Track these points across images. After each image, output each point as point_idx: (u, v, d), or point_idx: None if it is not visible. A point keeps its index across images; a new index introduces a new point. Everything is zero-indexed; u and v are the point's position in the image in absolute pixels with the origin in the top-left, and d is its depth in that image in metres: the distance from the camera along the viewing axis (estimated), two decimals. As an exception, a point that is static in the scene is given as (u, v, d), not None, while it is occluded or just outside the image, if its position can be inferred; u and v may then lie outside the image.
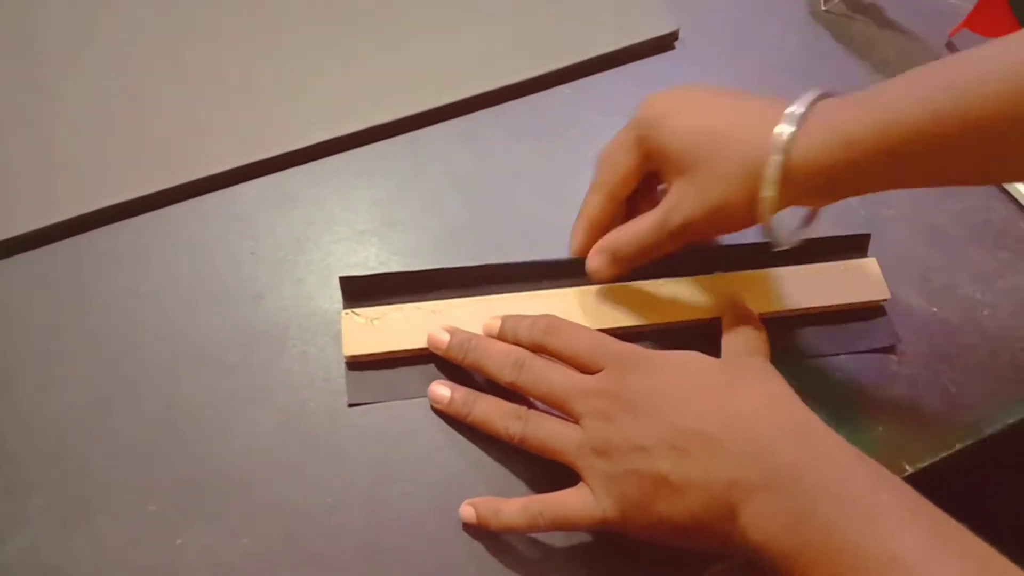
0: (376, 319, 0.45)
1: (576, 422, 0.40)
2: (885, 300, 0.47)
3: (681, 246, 0.43)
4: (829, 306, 0.47)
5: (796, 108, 0.38)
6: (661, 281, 0.47)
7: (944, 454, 0.43)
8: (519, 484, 0.43)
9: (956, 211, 0.52)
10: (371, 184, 0.52)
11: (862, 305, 0.47)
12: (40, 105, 0.54)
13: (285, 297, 0.48)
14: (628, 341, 0.41)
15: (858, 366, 0.46)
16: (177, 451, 0.44)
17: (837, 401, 0.45)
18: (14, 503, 0.42)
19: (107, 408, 0.45)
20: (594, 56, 0.56)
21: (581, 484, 0.39)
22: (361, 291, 0.46)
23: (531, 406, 0.42)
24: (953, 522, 0.32)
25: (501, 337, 0.44)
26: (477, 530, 0.41)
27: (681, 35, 0.58)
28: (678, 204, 0.41)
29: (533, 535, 0.42)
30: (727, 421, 0.36)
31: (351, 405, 0.45)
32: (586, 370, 0.41)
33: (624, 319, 0.46)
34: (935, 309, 0.48)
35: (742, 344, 0.43)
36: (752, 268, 0.47)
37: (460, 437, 0.44)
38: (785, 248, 0.42)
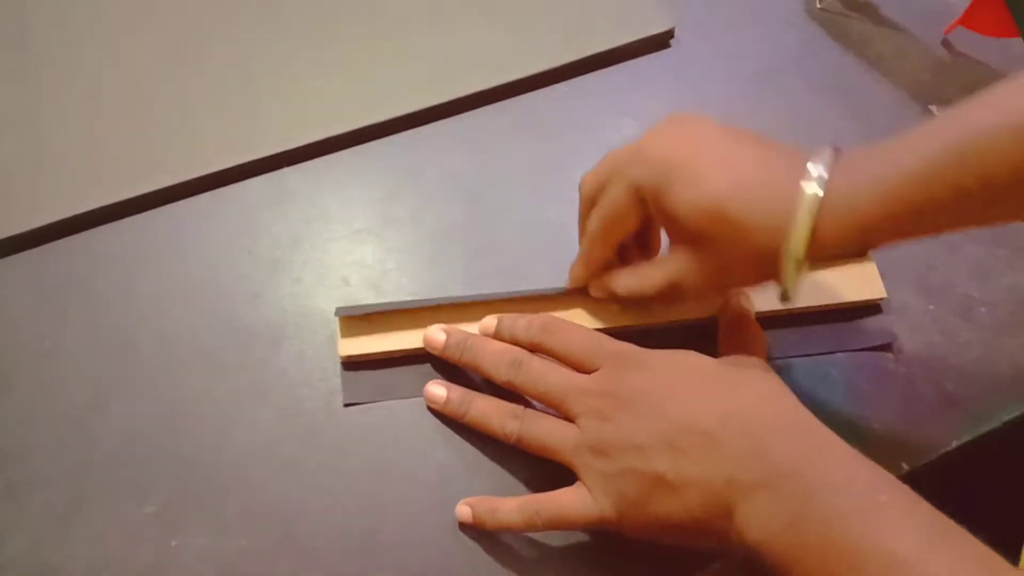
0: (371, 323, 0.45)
1: (573, 421, 0.40)
2: (882, 299, 0.47)
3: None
4: (826, 305, 0.47)
5: (818, 169, 0.35)
6: None
7: (941, 452, 0.43)
8: (516, 483, 0.43)
9: (952, 209, 0.52)
10: (368, 183, 0.52)
11: (859, 304, 0.47)
12: (35, 104, 0.54)
13: (282, 296, 0.48)
14: (626, 341, 0.41)
15: (855, 364, 0.46)
16: (175, 450, 0.44)
17: (834, 400, 0.45)
18: (13, 503, 0.42)
19: (104, 407, 0.45)
20: (590, 55, 0.56)
21: (578, 483, 0.39)
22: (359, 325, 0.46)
23: (528, 405, 0.42)
24: (951, 522, 0.32)
25: (498, 336, 0.44)
26: (474, 529, 0.41)
27: (677, 33, 0.58)
28: (688, 273, 0.40)
29: (530, 534, 0.42)
30: (724, 419, 0.36)
31: (347, 405, 0.45)
32: (583, 369, 0.41)
33: (622, 319, 0.46)
34: (932, 307, 0.48)
35: (739, 344, 0.43)
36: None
37: (457, 436, 0.44)
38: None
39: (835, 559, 0.32)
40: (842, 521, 0.32)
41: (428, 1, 0.58)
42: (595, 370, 0.40)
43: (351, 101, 0.54)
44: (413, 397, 0.45)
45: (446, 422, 0.44)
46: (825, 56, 0.58)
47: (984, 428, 0.44)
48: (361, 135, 0.53)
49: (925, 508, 0.33)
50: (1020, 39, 0.53)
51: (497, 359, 0.42)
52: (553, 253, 0.48)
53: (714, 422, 0.36)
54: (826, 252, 0.36)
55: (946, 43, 0.58)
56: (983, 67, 0.56)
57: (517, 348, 0.43)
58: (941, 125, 0.35)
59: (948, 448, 0.44)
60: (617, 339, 0.41)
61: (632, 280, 0.43)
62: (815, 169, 0.35)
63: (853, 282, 0.47)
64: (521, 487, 0.43)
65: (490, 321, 0.44)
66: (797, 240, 0.35)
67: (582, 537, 0.41)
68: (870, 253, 0.48)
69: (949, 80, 0.56)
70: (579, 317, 0.45)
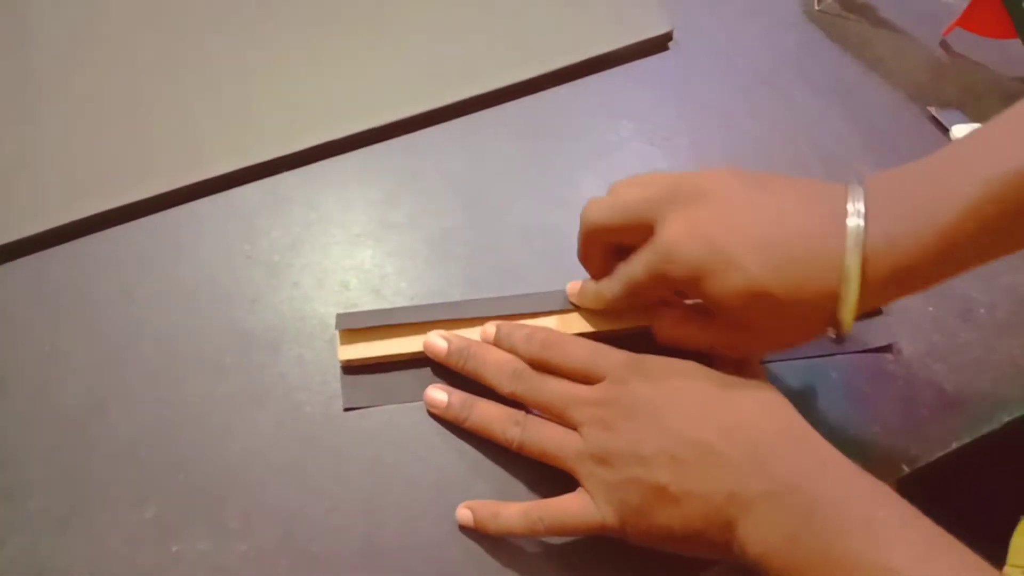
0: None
1: (575, 430, 0.40)
2: (881, 300, 0.47)
3: None
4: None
5: (856, 229, 0.35)
6: None
7: (941, 454, 0.43)
8: (518, 486, 0.43)
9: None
10: (367, 186, 0.52)
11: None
12: (33, 110, 0.54)
13: (281, 300, 0.48)
14: (624, 342, 0.41)
15: (855, 366, 0.46)
16: (174, 453, 0.43)
17: (834, 402, 0.45)
18: (13, 505, 0.42)
19: (104, 411, 0.45)
20: (588, 58, 0.56)
21: (580, 490, 0.39)
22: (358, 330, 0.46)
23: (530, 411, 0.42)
24: (949, 536, 0.32)
25: (497, 344, 0.44)
26: (474, 532, 0.41)
27: (675, 35, 0.58)
28: (736, 342, 0.40)
29: (531, 540, 0.42)
30: (726, 430, 0.36)
31: (347, 409, 0.45)
32: (585, 381, 0.41)
33: (619, 321, 0.45)
34: (931, 308, 0.48)
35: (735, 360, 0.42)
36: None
37: (457, 440, 0.44)
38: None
39: (834, 568, 0.32)
40: (842, 536, 0.32)
41: (426, 5, 0.58)
42: (598, 381, 0.40)
43: (349, 105, 0.54)
44: (413, 401, 0.45)
45: (446, 426, 0.44)
46: (824, 58, 0.58)
47: (984, 429, 0.44)
48: (360, 139, 0.53)
49: (924, 523, 0.33)
50: (1018, 40, 0.53)
51: (499, 370, 0.42)
52: (552, 256, 0.48)
53: (715, 434, 0.36)
54: (873, 304, 0.36)
55: (944, 44, 0.58)
56: (981, 68, 0.56)
57: (518, 358, 0.43)
58: (970, 157, 0.35)
59: (948, 450, 0.43)
60: (618, 344, 0.41)
61: (678, 332, 0.42)
62: (853, 229, 0.35)
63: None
64: (522, 491, 0.42)
65: (490, 328, 0.44)
66: (848, 305, 0.35)
67: (582, 541, 0.41)
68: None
69: (947, 81, 0.56)
70: (577, 320, 0.45)
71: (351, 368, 0.45)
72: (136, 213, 0.51)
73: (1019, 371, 0.46)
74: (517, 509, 0.40)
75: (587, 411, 0.39)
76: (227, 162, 0.52)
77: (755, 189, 0.38)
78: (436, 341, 0.44)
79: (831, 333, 0.37)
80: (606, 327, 0.45)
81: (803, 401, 0.38)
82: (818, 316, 0.36)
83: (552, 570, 0.41)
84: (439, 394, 0.44)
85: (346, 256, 0.50)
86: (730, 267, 0.36)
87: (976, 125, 0.52)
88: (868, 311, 0.35)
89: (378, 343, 0.45)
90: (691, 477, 0.36)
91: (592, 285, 0.44)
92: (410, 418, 0.44)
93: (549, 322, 0.45)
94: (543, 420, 0.41)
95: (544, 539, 0.41)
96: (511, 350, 0.43)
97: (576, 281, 0.45)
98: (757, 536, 0.34)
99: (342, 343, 0.45)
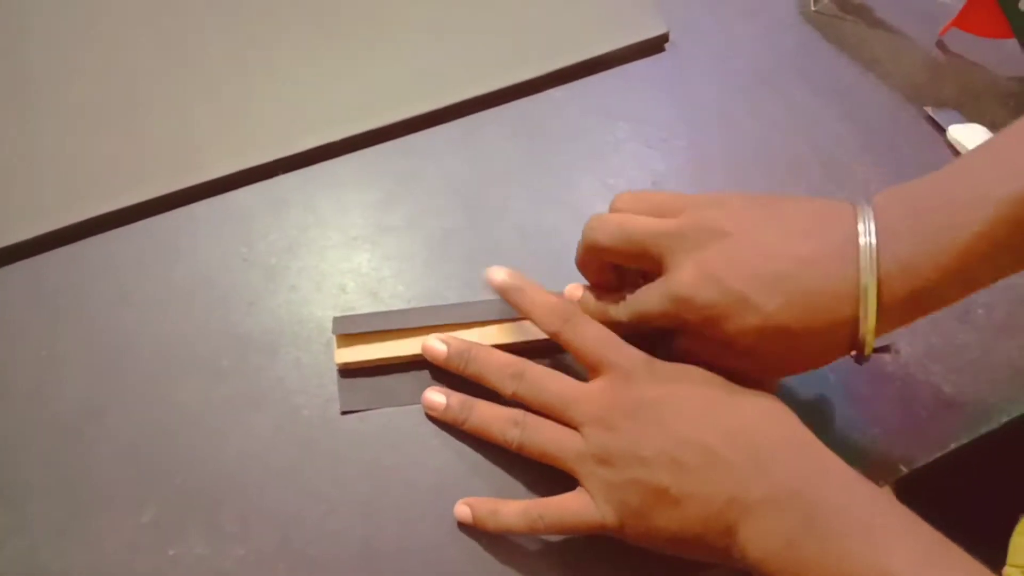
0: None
1: (576, 429, 0.40)
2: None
3: None
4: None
5: (868, 258, 0.34)
6: None
7: (940, 454, 0.43)
8: (517, 486, 0.43)
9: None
10: (364, 189, 0.52)
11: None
12: (31, 113, 0.54)
13: (278, 304, 0.48)
14: (631, 339, 0.41)
15: (853, 367, 0.46)
16: (172, 457, 0.43)
17: (833, 402, 0.45)
18: (11, 509, 0.42)
19: (102, 415, 0.45)
20: (585, 59, 0.56)
21: (580, 489, 0.39)
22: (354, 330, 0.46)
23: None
24: (949, 542, 0.32)
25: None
26: (474, 533, 0.41)
27: (672, 37, 0.58)
28: (750, 371, 0.39)
29: (530, 539, 0.42)
30: (728, 435, 0.36)
31: (344, 413, 0.45)
32: (594, 371, 0.40)
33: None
34: (929, 308, 0.48)
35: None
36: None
37: (455, 442, 0.44)
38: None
39: (834, 571, 0.32)
40: (841, 541, 0.32)
41: (423, 7, 0.58)
42: (606, 373, 0.40)
43: (346, 107, 0.54)
44: (411, 404, 0.45)
45: (444, 428, 0.44)
46: (820, 58, 0.58)
47: (982, 430, 0.44)
48: (356, 141, 0.53)
49: (923, 528, 0.33)
50: (1014, 40, 0.53)
51: (501, 372, 0.42)
52: (549, 257, 0.48)
53: (718, 438, 0.36)
54: (891, 326, 0.36)
55: (941, 44, 0.58)
56: (978, 68, 0.56)
57: (521, 359, 0.43)
58: (981, 174, 0.34)
59: (946, 450, 0.43)
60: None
61: (698, 357, 0.40)
62: (866, 252, 0.34)
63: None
64: (521, 493, 0.42)
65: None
66: (867, 327, 0.35)
67: (582, 542, 0.41)
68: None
69: (944, 81, 0.56)
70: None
71: (348, 371, 0.45)
72: (132, 217, 0.51)
73: (1017, 372, 0.46)
74: (516, 507, 0.40)
75: (588, 410, 0.39)
76: (224, 165, 0.51)
77: (763, 220, 0.38)
78: (435, 344, 0.44)
79: (852, 356, 0.37)
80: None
81: (802, 403, 0.38)
82: (835, 343, 0.36)
83: (552, 572, 0.41)
84: (437, 396, 0.44)
85: (343, 259, 0.49)
86: (745, 308, 0.36)
87: (973, 125, 0.52)
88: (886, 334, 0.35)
89: (375, 346, 0.45)
90: (692, 480, 0.36)
91: (596, 303, 0.43)
92: (408, 421, 0.44)
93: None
94: (543, 420, 0.41)
95: (543, 539, 0.41)
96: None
97: (576, 285, 0.45)
98: (757, 541, 0.34)
99: (339, 346, 0.45)
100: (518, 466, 0.42)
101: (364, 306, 0.48)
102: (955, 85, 0.56)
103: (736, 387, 0.38)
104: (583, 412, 0.39)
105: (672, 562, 0.39)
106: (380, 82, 0.55)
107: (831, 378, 0.46)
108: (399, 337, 0.45)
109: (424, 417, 0.44)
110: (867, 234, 0.35)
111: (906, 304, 0.35)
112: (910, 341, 0.47)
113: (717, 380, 0.39)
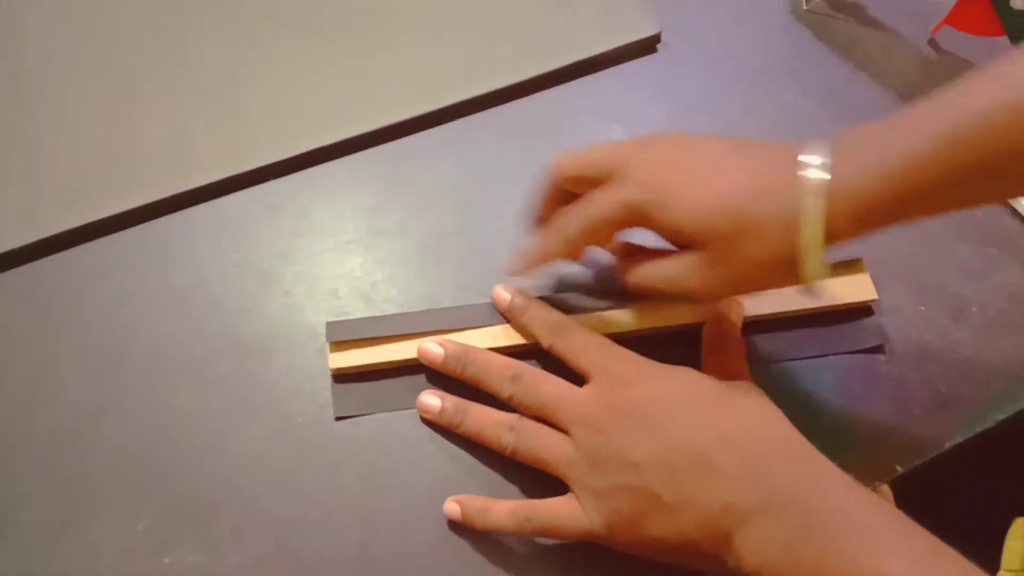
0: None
1: (567, 433, 0.40)
2: (873, 300, 0.47)
3: None
4: (817, 307, 0.47)
5: (820, 156, 0.34)
6: None
7: (934, 454, 0.43)
8: (511, 489, 0.43)
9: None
10: (356, 193, 0.52)
11: (850, 306, 0.47)
12: (25, 119, 0.54)
13: (272, 309, 0.48)
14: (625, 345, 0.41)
15: (847, 367, 0.46)
16: (167, 463, 0.43)
17: (826, 403, 0.45)
18: (6, 515, 0.42)
19: (95, 422, 0.45)
20: (576, 61, 0.56)
21: (571, 494, 0.39)
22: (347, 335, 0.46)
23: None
24: (946, 546, 0.32)
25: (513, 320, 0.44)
26: (470, 537, 0.41)
27: (664, 38, 0.58)
28: (699, 275, 0.38)
29: (526, 544, 0.41)
30: (721, 440, 0.36)
31: (338, 419, 0.45)
32: (588, 376, 0.40)
33: (608, 326, 0.45)
34: (923, 308, 0.48)
35: (721, 354, 0.42)
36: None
37: (450, 446, 0.44)
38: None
39: (830, 575, 0.32)
40: (838, 546, 0.32)
41: (414, 10, 0.58)
42: (600, 376, 0.40)
43: (338, 112, 0.54)
44: (405, 409, 0.45)
45: (439, 432, 0.44)
46: (813, 57, 0.58)
47: (977, 428, 0.44)
48: (348, 145, 0.53)
49: (920, 533, 0.33)
50: (1006, 37, 0.53)
51: (500, 374, 0.42)
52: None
53: (710, 442, 0.36)
54: (839, 239, 0.35)
55: (933, 42, 0.58)
56: (970, 66, 0.56)
57: (519, 362, 0.43)
58: (943, 103, 0.34)
59: (941, 450, 0.43)
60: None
61: (649, 273, 0.40)
62: (817, 157, 0.34)
63: (844, 284, 0.47)
64: (516, 493, 0.42)
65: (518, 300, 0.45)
66: (813, 228, 0.34)
67: (577, 547, 0.41)
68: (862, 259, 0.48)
69: (936, 79, 0.56)
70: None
71: (342, 376, 0.45)
72: (126, 223, 0.51)
73: (1011, 370, 0.46)
74: (506, 507, 0.40)
75: (578, 412, 0.39)
76: (217, 170, 0.51)
77: (720, 139, 0.39)
78: (431, 347, 0.44)
79: (803, 281, 0.36)
80: (614, 331, 0.45)
81: (796, 402, 0.38)
82: (783, 244, 0.35)
83: (547, 576, 0.41)
84: (432, 399, 0.44)
85: (336, 264, 0.49)
86: (698, 188, 0.36)
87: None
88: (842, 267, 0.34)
89: (369, 350, 0.45)
90: (686, 486, 0.36)
91: (544, 237, 0.42)
92: (403, 425, 0.44)
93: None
94: (537, 425, 0.41)
95: (538, 543, 0.41)
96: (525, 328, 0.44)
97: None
98: (754, 548, 0.34)
99: (332, 351, 0.45)
100: (513, 471, 0.42)
101: (357, 310, 0.48)
102: (947, 83, 0.55)
103: (725, 390, 0.39)
104: (573, 414, 0.39)
105: (664, 567, 0.39)
106: (372, 86, 0.55)
107: (825, 377, 0.46)
108: (392, 342, 0.45)
109: (419, 421, 0.44)
110: (822, 148, 0.35)
111: (850, 217, 0.34)
112: (904, 340, 0.47)
113: (707, 381, 0.39)
